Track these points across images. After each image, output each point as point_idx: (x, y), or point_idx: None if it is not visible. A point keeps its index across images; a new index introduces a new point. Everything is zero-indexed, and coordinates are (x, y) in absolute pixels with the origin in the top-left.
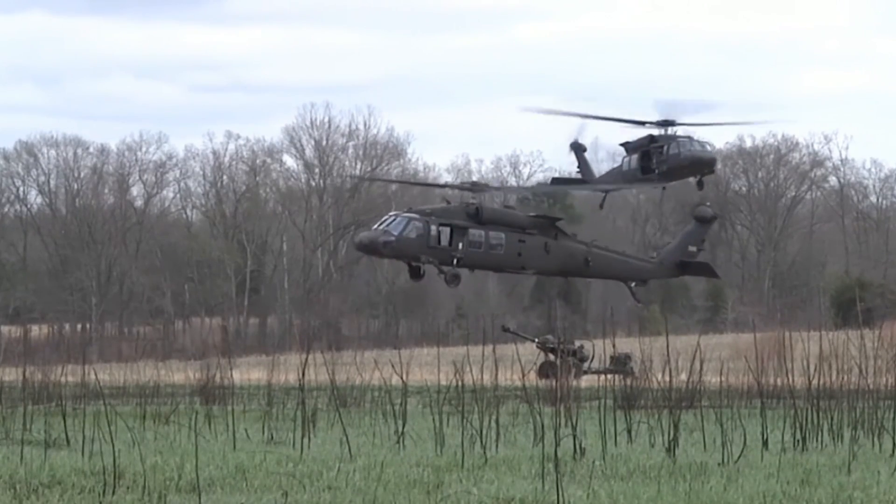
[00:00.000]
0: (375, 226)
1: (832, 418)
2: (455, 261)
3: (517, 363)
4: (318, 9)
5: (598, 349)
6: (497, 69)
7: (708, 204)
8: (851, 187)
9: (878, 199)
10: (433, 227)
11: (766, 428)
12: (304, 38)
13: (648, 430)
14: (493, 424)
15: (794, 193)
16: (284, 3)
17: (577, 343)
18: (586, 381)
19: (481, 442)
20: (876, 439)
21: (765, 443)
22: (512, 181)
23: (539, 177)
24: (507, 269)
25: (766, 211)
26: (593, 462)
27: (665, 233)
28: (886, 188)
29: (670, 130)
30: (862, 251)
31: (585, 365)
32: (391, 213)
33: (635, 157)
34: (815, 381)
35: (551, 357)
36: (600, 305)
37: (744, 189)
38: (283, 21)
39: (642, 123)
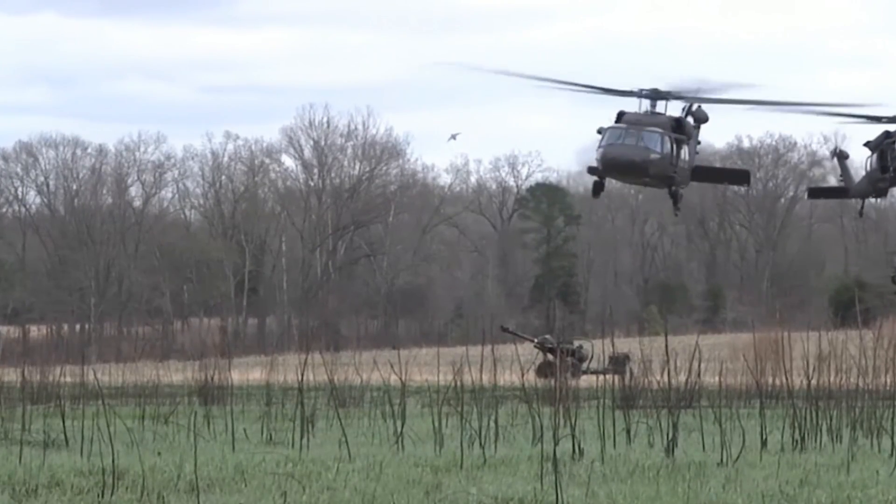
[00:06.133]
0: (610, 140)
1: (831, 418)
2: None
3: (516, 363)
4: (324, 11)
5: (597, 349)
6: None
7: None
8: None
9: (876, 200)
10: (674, 143)
11: (765, 428)
12: (309, 40)
13: (647, 431)
14: (492, 425)
15: (792, 193)
16: (295, 5)
17: (576, 343)
18: (585, 381)
19: (480, 442)
20: (875, 439)
21: (764, 443)
22: (510, 181)
23: (538, 177)
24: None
25: (765, 211)
26: (592, 462)
27: (664, 233)
28: None
29: None
30: (861, 251)
31: (584, 365)
32: (615, 126)
33: (875, 156)
34: (813, 382)
35: (550, 357)
36: (599, 305)
37: (742, 189)
38: (291, 23)
39: (878, 119)
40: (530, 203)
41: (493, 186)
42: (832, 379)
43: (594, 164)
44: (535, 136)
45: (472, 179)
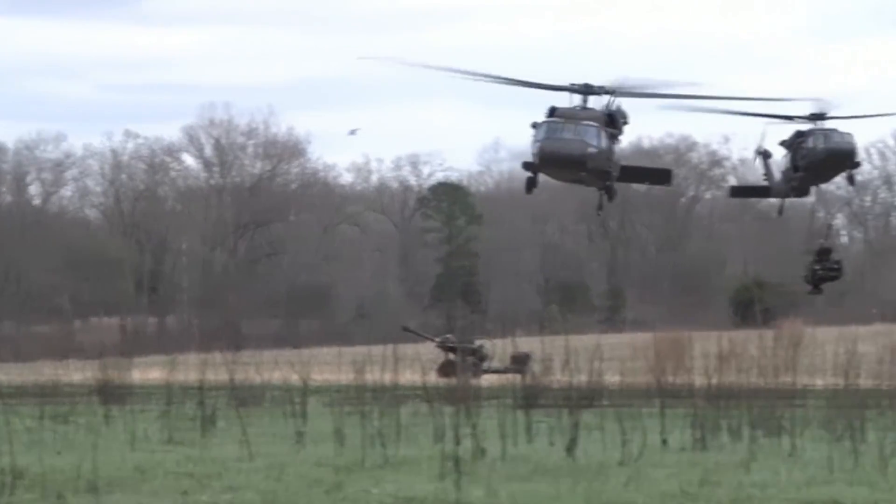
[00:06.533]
0: (547, 135)
1: (731, 418)
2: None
3: (417, 362)
4: (230, 11)
5: (498, 348)
6: (398, 71)
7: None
8: None
9: (777, 199)
10: (609, 137)
11: (666, 427)
12: (215, 39)
13: (548, 430)
14: (394, 424)
15: (693, 193)
16: (201, 5)
17: (477, 342)
18: (486, 380)
19: (381, 442)
20: (775, 438)
21: (664, 442)
22: (412, 181)
23: (439, 176)
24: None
25: (665, 210)
26: (493, 462)
27: (565, 232)
28: None
29: (821, 125)
30: (761, 251)
31: (485, 364)
32: (551, 120)
33: (789, 155)
34: (714, 381)
35: (451, 356)
36: (500, 305)
37: (643, 188)
38: (197, 22)
39: (790, 118)
40: (432, 202)
41: (395, 186)
42: (733, 378)
43: (529, 159)
44: (436, 136)
45: (374, 178)
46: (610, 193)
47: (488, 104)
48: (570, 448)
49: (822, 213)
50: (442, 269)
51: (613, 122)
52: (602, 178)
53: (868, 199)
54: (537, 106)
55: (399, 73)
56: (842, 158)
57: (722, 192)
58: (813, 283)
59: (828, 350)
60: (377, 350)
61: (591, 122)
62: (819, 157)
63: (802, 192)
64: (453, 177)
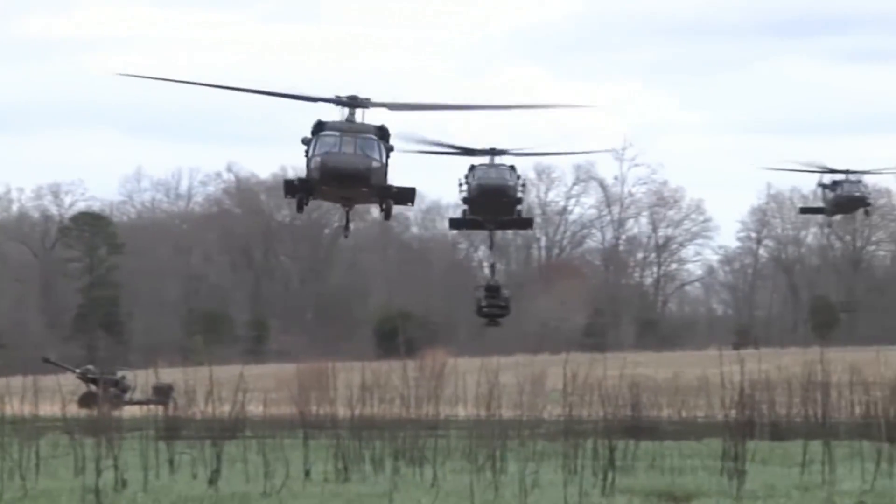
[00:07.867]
0: (326, 149)
1: (374, 448)
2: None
3: (58, 394)
4: None
5: (141, 379)
6: (43, 98)
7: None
8: (394, 218)
9: (419, 231)
10: (386, 151)
11: (309, 458)
12: None
13: (191, 462)
14: (33, 456)
15: (337, 224)
16: None
17: (119, 373)
18: (128, 411)
19: (21, 474)
20: (417, 468)
21: (307, 473)
22: (53, 210)
23: (81, 205)
24: None
25: (310, 241)
26: (135, 494)
27: (209, 262)
28: (427, 220)
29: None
30: (403, 282)
31: (127, 395)
32: (328, 134)
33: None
34: (357, 412)
35: (93, 387)
36: (144, 335)
37: (287, 219)
38: None
39: (471, 153)
40: (73, 232)
41: (36, 215)
42: (376, 409)
43: (301, 177)
44: (79, 165)
45: (14, 208)
46: (388, 211)
47: (129, 133)
48: (213, 480)
49: (464, 245)
50: (83, 299)
51: (384, 136)
52: (381, 194)
53: (510, 231)
54: (178, 136)
55: (43, 100)
56: (495, 194)
57: (366, 223)
58: (483, 317)
59: (469, 380)
60: (16, 381)
61: (370, 136)
62: (473, 193)
63: (523, 225)
64: (95, 206)
